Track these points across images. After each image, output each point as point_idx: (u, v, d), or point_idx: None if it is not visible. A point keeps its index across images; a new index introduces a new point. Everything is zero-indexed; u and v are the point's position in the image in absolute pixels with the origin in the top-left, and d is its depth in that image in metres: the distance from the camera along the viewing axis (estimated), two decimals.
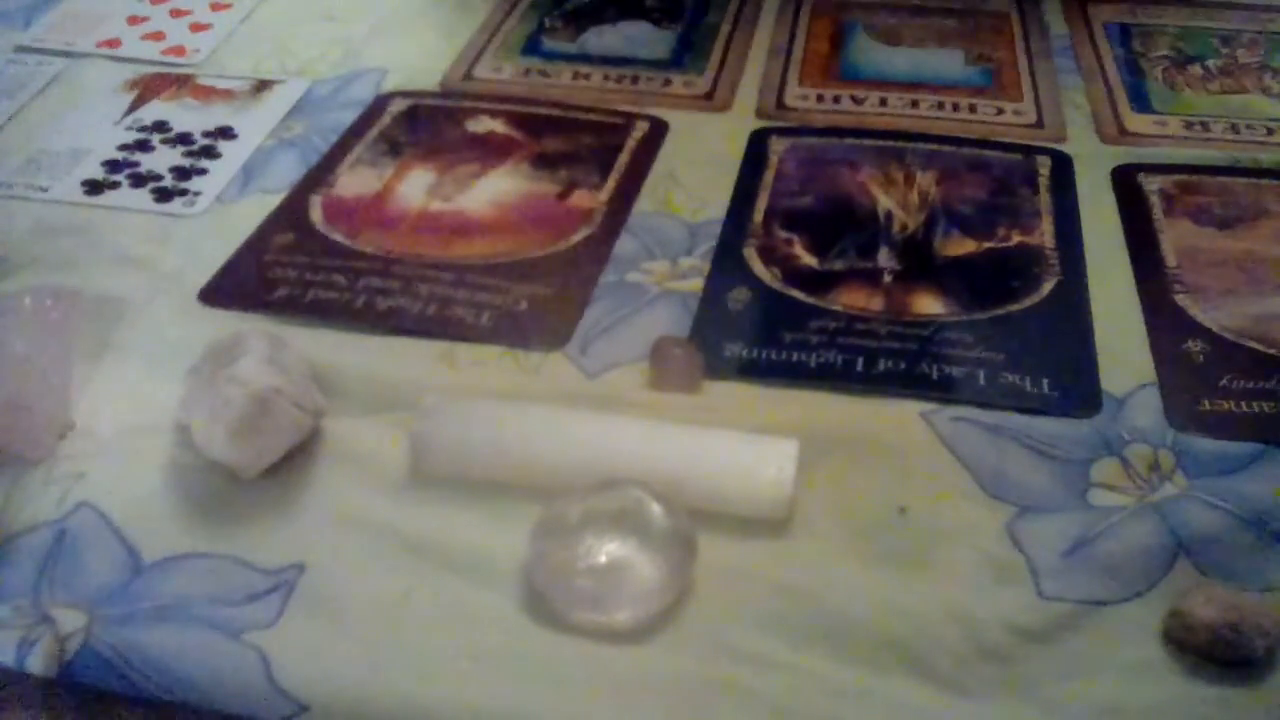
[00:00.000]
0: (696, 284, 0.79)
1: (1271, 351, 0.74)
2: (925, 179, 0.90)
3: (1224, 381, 0.72)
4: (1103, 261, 0.82)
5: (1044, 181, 0.90)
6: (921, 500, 0.65)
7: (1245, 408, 0.70)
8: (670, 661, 0.57)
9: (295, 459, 0.66)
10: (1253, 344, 0.75)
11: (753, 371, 0.73)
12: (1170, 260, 0.82)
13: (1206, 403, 0.71)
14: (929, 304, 0.78)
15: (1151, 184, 0.89)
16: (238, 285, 0.80)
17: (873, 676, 0.57)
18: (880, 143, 0.94)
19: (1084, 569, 0.61)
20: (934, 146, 0.94)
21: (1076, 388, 0.72)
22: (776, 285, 0.79)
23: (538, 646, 0.58)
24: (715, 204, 0.87)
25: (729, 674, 0.57)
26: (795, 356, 0.74)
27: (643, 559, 0.58)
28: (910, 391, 0.71)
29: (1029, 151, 0.93)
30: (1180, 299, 0.79)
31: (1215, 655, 0.57)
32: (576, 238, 0.84)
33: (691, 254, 0.82)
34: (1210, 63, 1.05)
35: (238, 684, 0.56)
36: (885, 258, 0.82)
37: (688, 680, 0.56)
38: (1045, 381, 0.72)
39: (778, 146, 0.94)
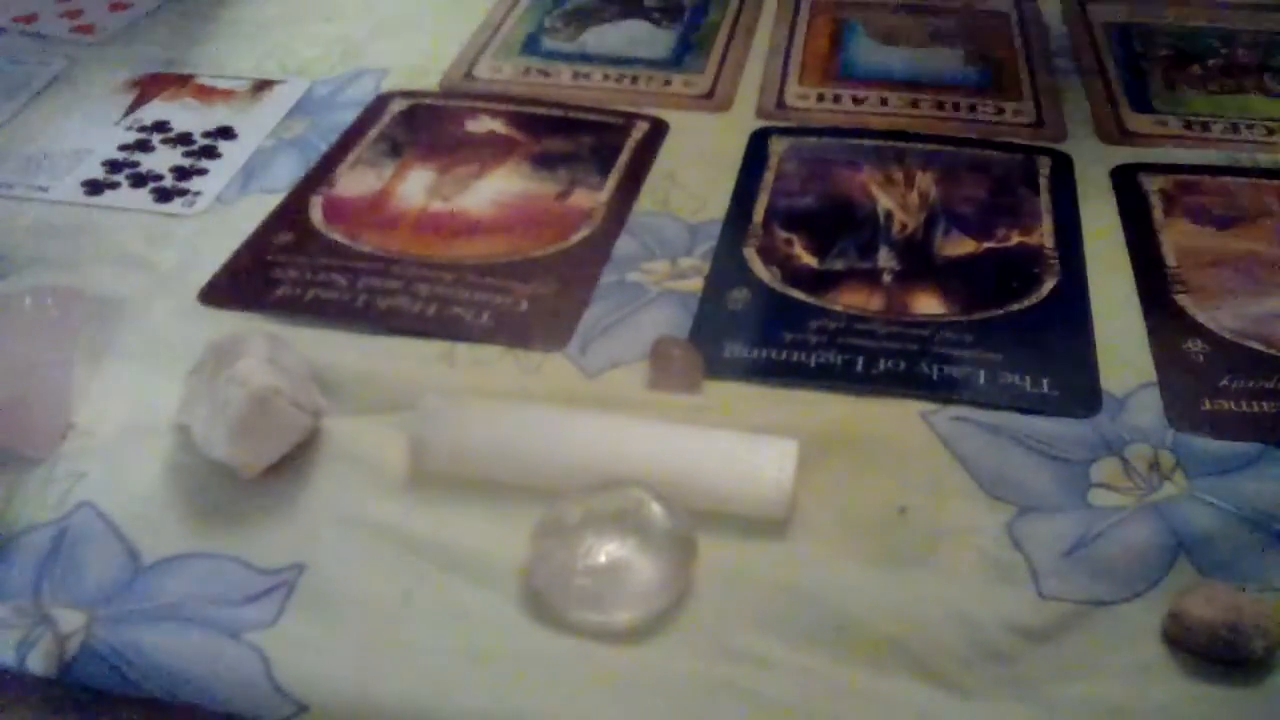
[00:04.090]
0: (696, 284, 0.79)
1: (1271, 351, 0.74)
2: (925, 179, 0.90)
3: (1224, 381, 0.72)
4: (1103, 261, 0.82)
5: (1044, 182, 0.90)
6: (921, 500, 0.65)
7: (1245, 407, 0.70)
8: (670, 662, 0.57)
9: (295, 459, 0.66)
10: (1253, 344, 0.75)
11: (753, 371, 0.73)
12: (1170, 260, 0.82)
13: (1207, 402, 0.71)
14: (929, 304, 0.78)
15: (1151, 184, 0.90)
16: (238, 285, 0.80)
17: (873, 677, 0.57)
18: (880, 143, 0.94)
19: (1084, 569, 0.61)
20: (934, 146, 0.94)
21: (1076, 387, 0.72)
22: (776, 285, 0.79)
23: (538, 646, 0.57)
24: (715, 204, 0.87)
25: (729, 674, 0.57)
26: (795, 356, 0.74)
27: (643, 559, 0.58)
28: (910, 391, 0.71)
29: (1029, 152, 0.93)
30: (1180, 299, 0.79)
31: (1214, 655, 0.57)
32: (576, 237, 0.84)
33: (691, 254, 0.82)
34: (1210, 63, 1.05)
35: (238, 684, 0.56)
36: (885, 258, 0.82)
37: (688, 680, 0.56)
38: (1045, 381, 0.72)
39: (778, 147, 0.94)
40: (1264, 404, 0.71)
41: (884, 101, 1.00)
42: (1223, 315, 0.77)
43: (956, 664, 0.57)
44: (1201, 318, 0.77)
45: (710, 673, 0.57)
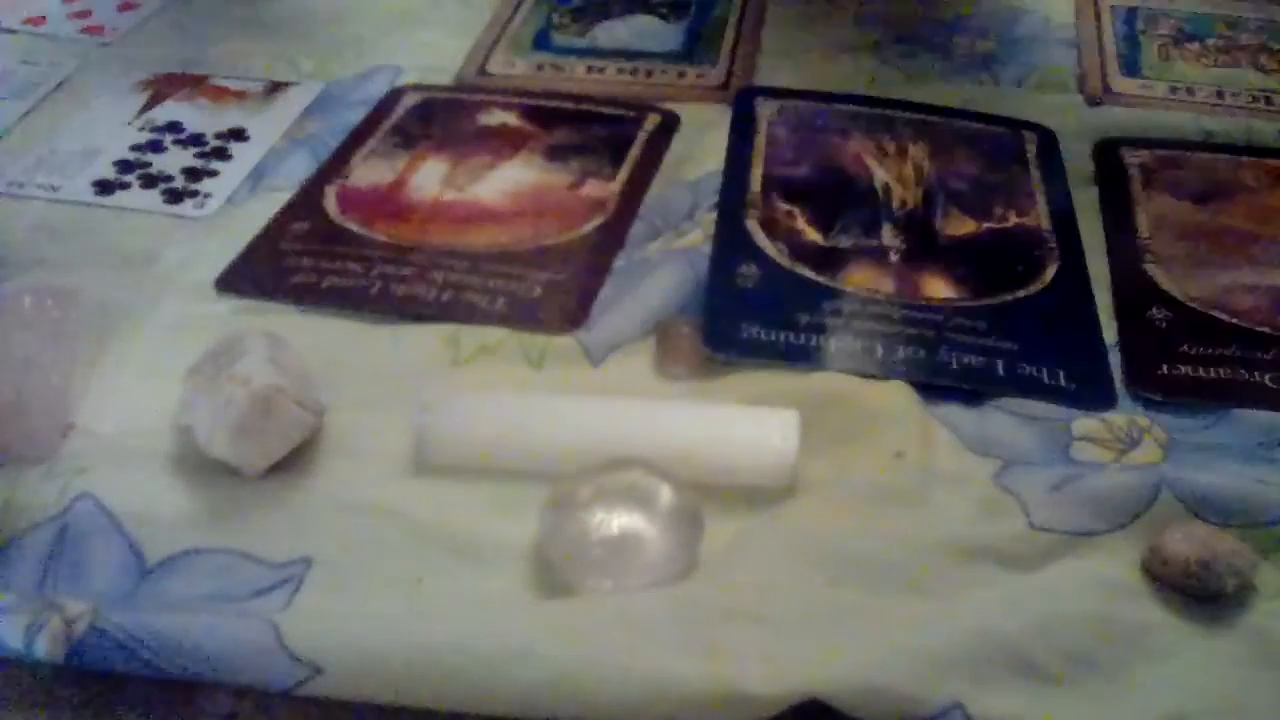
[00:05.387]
0: (697, 237, 0.82)
1: (1232, 320, 0.76)
2: (918, 150, 0.91)
3: (1183, 347, 0.74)
4: (1087, 234, 0.84)
5: (1032, 159, 0.91)
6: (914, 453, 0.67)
7: (1202, 373, 0.72)
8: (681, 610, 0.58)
9: (300, 453, 0.67)
10: (1215, 313, 0.77)
11: (758, 352, 0.73)
12: (1144, 231, 0.84)
13: (1164, 367, 0.73)
14: (939, 287, 0.79)
15: (1132, 158, 0.91)
16: (254, 272, 0.81)
17: (869, 596, 0.59)
18: (869, 110, 0.96)
19: (1071, 501, 0.64)
20: (921, 116, 0.96)
21: (1092, 381, 0.72)
22: (784, 261, 0.80)
23: (549, 622, 0.57)
24: (711, 165, 0.91)
25: (738, 603, 0.58)
26: (812, 340, 0.74)
27: (652, 531, 0.60)
28: (932, 382, 0.71)
29: (1014, 127, 0.95)
30: (1149, 268, 0.81)
31: (1188, 590, 0.60)
32: (589, 226, 0.85)
33: (691, 213, 0.84)
34: (1209, 42, 1.06)
35: (250, 652, 0.55)
36: (889, 235, 0.83)
37: (699, 610, 0.58)
38: (1061, 374, 0.72)
39: (765, 111, 0.96)
40: (1220, 370, 0.72)
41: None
42: (1188, 285, 0.79)
43: (953, 585, 0.59)
44: (1168, 286, 0.79)
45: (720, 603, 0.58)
